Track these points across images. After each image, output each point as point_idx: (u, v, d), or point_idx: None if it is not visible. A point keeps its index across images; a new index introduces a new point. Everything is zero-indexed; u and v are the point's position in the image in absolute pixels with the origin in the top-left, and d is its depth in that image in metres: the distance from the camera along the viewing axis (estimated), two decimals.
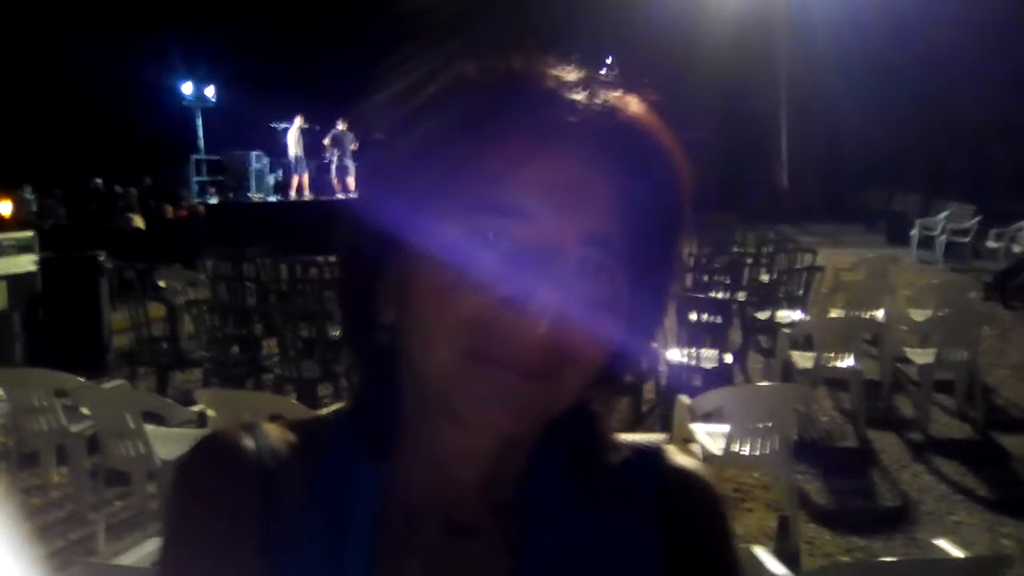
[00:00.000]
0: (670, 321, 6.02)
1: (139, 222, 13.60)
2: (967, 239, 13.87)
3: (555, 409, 0.58)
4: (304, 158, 18.02)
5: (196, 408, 4.16)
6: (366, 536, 0.62)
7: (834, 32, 18.41)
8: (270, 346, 6.82)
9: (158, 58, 20.98)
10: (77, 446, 4.33)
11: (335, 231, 0.63)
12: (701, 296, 6.70)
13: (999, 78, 16.41)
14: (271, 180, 19.33)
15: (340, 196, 17.08)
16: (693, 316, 5.80)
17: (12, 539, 3.92)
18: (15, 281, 7.63)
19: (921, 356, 5.70)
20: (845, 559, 3.82)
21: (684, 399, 4.13)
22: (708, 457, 3.86)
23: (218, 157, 19.57)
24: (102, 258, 7.71)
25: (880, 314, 6.46)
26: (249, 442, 0.64)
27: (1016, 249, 12.34)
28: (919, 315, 6.62)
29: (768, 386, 4.87)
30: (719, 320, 5.80)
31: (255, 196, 18.51)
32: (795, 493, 4.15)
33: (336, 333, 5.60)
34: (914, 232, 14.37)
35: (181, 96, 22.02)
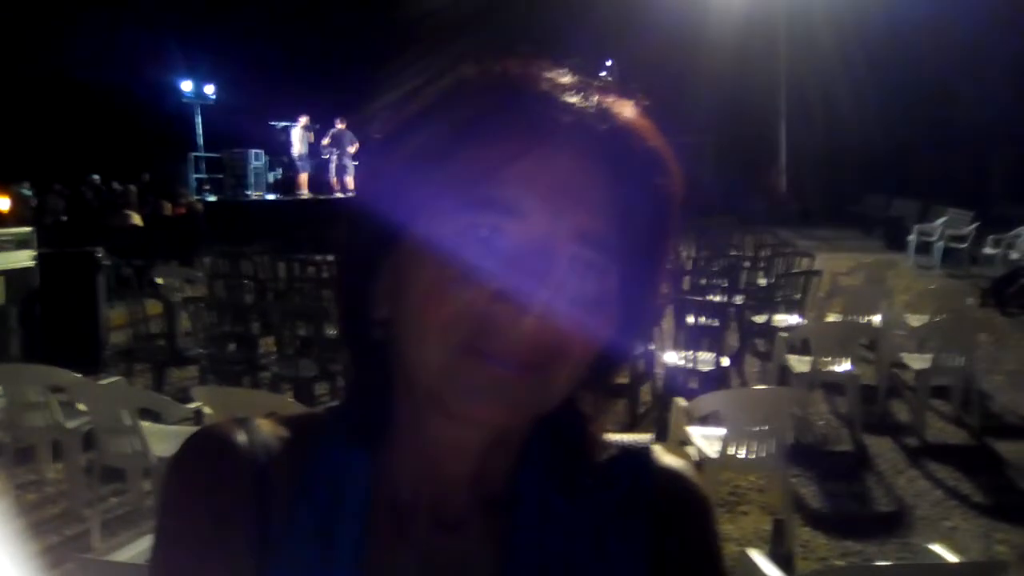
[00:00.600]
0: (667, 324, 6.05)
1: (137, 219, 13.57)
2: (964, 245, 13.87)
3: (545, 405, 0.59)
4: (307, 156, 18.10)
5: (193, 405, 4.15)
6: (357, 530, 0.63)
7: (834, 37, 18.45)
8: (267, 344, 6.81)
9: (158, 55, 20.96)
10: (73, 442, 4.32)
11: (332, 228, 0.64)
12: (698, 299, 6.71)
13: (998, 85, 16.43)
14: (270, 178, 19.35)
15: (339, 195, 17.11)
16: (690, 319, 5.82)
17: (7, 535, 3.92)
18: (12, 276, 7.62)
19: (918, 361, 5.71)
20: (840, 563, 3.82)
21: (680, 402, 4.14)
22: (704, 460, 3.86)
23: (217, 155, 19.57)
24: (99, 254, 7.69)
25: (877, 319, 6.47)
26: (242, 437, 0.65)
27: (1013, 256, 12.34)
28: (916, 320, 6.63)
29: (764, 390, 4.87)
30: (716, 323, 5.80)
31: (253, 194, 18.52)
32: (791, 497, 4.15)
33: (333, 332, 5.60)
34: (912, 237, 14.38)
35: (180, 93, 22.01)
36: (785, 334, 6.08)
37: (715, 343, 5.72)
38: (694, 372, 5.57)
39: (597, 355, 0.60)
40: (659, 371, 6.02)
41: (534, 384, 0.57)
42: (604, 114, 0.59)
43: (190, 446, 0.65)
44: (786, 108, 21.14)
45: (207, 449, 0.64)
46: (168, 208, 15.20)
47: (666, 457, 0.71)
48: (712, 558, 0.70)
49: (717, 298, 7.26)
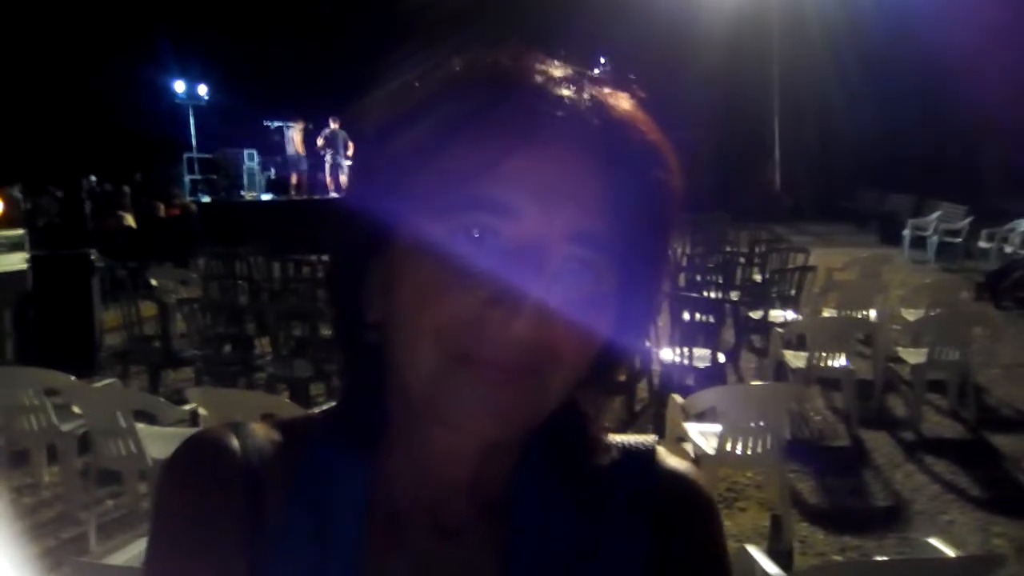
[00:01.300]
0: (663, 320, 6.05)
1: (130, 220, 13.54)
2: (959, 239, 13.91)
3: (541, 412, 0.58)
4: (304, 157, 18.17)
5: (188, 407, 4.14)
6: (352, 536, 0.61)
7: (827, 33, 18.46)
8: (262, 345, 6.79)
9: (151, 56, 20.89)
10: (68, 445, 4.30)
11: (325, 229, 0.63)
12: (694, 295, 6.72)
13: (991, 79, 16.46)
14: (264, 178, 19.31)
15: (334, 195, 17.10)
16: (686, 315, 5.81)
17: (3, 538, 3.91)
18: (6, 279, 7.59)
19: (913, 356, 5.72)
20: (838, 558, 3.83)
21: (677, 398, 4.13)
22: (701, 456, 3.86)
23: (210, 155, 19.52)
24: (93, 256, 7.67)
25: (872, 314, 6.48)
26: (235, 441, 0.64)
27: (1007, 249, 12.38)
28: (911, 315, 6.65)
29: (761, 385, 4.88)
30: (712, 319, 5.80)
31: (248, 194, 18.49)
32: (788, 492, 4.16)
33: (329, 332, 5.59)
34: (906, 232, 14.41)
35: (174, 94, 21.93)
36: (781, 330, 6.10)
37: (711, 339, 5.72)
38: (690, 368, 5.57)
39: (596, 355, 0.58)
40: (655, 368, 6.02)
41: (529, 390, 0.55)
42: (598, 108, 0.58)
43: (183, 451, 0.64)
44: (779, 103, 21.15)
45: (200, 454, 0.64)
46: (162, 209, 15.16)
47: (670, 458, 0.70)
48: (718, 560, 0.68)
49: (713, 294, 7.28)
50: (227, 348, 6.75)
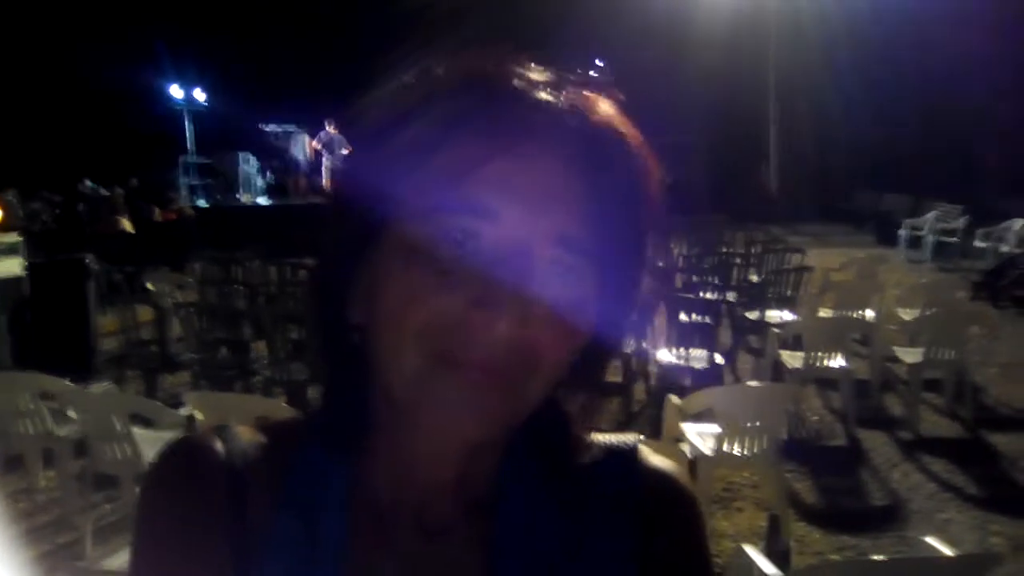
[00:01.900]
0: (660, 321, 6.05)
1: (127, 225, 13.52)
2: (955, 239, 13.92)
3: (523, 412, 0.58)
4: (305, 161, 18.27)
5: (184, 411, 4.13)
6: (338, 536, 0.62)
7: (823, 33, 18.49)
8: (259, 349, 6.79)
9: (147, 60, 20.87)
10: (64, 449, 4.29)
11: (314, 232, 0.63)
12: (691, 296, 6.72)
13: (987, 79, 16.50)
14: (260, 182, 19.30)
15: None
16: (683, 316, 5.81)
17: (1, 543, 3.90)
18: (2, 284, 7.57)
19: (910, 355, 5.72)
20: (835, 557, 3.83)
21: (674, 399, 4.13)
22: (699, 457, 3.86)
23: (207, 159, 19.51)
24: (89, 261, 7.66)
25: (869, 314, 6.48)
26: (219, 445, 0.64)
27: (1003, 248, 12.39)
28: (908, 315, 6.65)
29: (758, 386, 4.88)
30: (709, 320, 5.81)
31: (244, 198, 18.48)
32: (785, 492, 4.16)
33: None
34: (902, 232, 14.43)
35: (170, 98, 21.92)
36: (778, 330, 6.10)
37: (708, 340, 5.73)
38: (687, 369, 5.57)
39: (578, 357, 0.59)
40: (652, 369, 6.02)
41: (510, 391, 0.56)
42: (579, 112, 0.58)
43: (167, 454, 0.64)
44: (776, 105, 21.17)
45: (184, 457, 0.64)
46: (158, 213, 15.15)
47: (653, 457, 0.71)
48: (701, 559, 0.69)
49: (709, 295, 7.28)
50: (224, 352, 6.74)
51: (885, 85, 18.17)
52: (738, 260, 9.30)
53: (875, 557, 3.61)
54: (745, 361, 7.26)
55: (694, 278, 8.18)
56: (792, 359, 5.64)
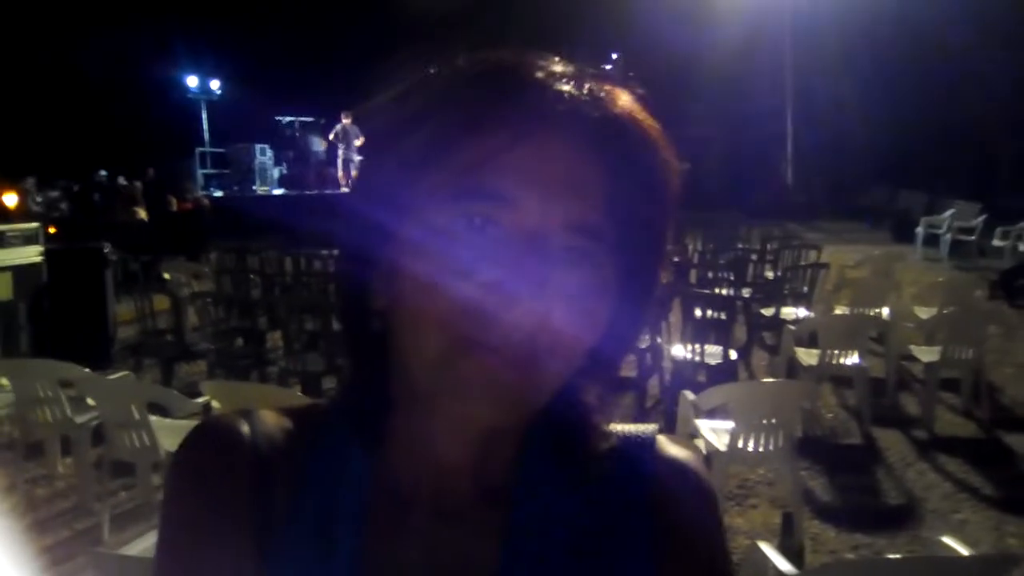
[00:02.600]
0: (675, 317, 6.04)
1: (143, 215, 13.61)
2: (972, 237, 13.83)
3: (541, 398, 0.59)
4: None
5: (201, 400, 4.16)
6: (357, 521, 0.63)
7: (840, 31, 18.38)
8: (274, 339, 6.82)
9: (163, 51, 20.97)
10: (82, 437, 4.33)
11: (334, 222, 0.64)
12: (706, 292, 6.69)
13: (1005, 76, 16.35)
14: (275, 173, 19.38)
15: (345, 189, 17.16)
16: (698, 312, 5.80)
17: (17, 529, 3.94)
18: (20, 272, 7.64)
19: (926, 354, 5.68)
20: (849, 556, 3.82)
21: (688, 395, 4.13)
22: (713, 453, 3.85)
23: (223, 150, 19.60)
24: (107, 250, 7.72)
25: (885, 311, 6.44)
26: (245, 428, 0.66)
27: (1021, 248, 12.30)
28: (924, 313, 6.61)
29: (773, 382, 4.86)
30: (724, 316, 5.78)
31: (260, 189, 18.56)
32: (800, 490, 4.15)
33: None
34: (919, 230, 14.34)
35: (186, 89, 22.02)
36: (793, 327, 6.07)
37: (723, 336, 5.70)
38: (702, 365, 5.56)
39: (595, 345, 0.60)
40: (667, 364, 6.01)
41: (528, 376, 0.56)
42: (598, 102, 0.59)
43: (193, 437, 0.66)
44: (792, 101, 21.06)
45: (210, 440, 0.66)
46: (174, 204, 15.25)
47: (670, 447, 0.71)
48: (717, 548, 0.70)
49: (724, 291, 7.25)
50: (239, 342, 6.78)
51: (902, 83, 18.05)
52: (754, 256, 9.27)
53: (889, 556, 3.60)
54: (760, 358, 7.24)
55: (709, 274, 8.16)
56: (807, 356, 5.62)
